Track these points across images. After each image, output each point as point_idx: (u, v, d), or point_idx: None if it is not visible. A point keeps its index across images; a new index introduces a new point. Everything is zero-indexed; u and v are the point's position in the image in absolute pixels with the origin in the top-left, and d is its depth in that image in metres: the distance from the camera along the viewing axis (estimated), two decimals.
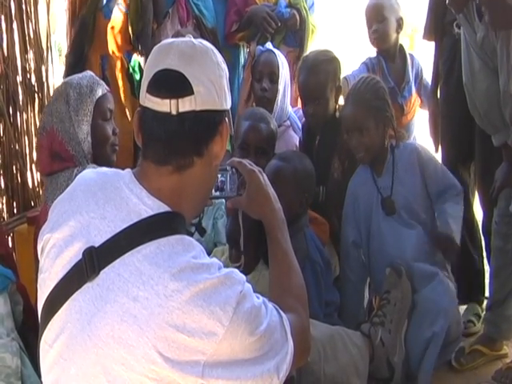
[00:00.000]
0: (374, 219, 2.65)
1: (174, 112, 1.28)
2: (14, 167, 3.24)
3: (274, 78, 3.07)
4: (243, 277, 1.30)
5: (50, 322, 1.30)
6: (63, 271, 1.29)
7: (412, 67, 3.29)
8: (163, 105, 1.29)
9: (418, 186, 2.62)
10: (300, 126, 3.16)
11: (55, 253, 1.32)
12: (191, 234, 2.73)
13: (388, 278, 2.49)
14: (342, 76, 2.92)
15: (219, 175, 1.55)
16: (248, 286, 1.30)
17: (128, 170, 1.37)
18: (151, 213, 1.28)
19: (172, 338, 1.19)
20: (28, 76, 3.30)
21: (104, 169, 1.43)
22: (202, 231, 2.76)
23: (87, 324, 1.25)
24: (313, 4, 3.62)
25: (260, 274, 2.30)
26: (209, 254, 1.35)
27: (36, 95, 3.32)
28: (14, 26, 3.24)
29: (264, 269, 2.35)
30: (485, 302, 2.94)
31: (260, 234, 2.48)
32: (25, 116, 3.27)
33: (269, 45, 3.23)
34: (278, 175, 2.44)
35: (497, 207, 2.66)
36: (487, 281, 2.94)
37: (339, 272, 2.75)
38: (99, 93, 2.31)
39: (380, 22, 3.18)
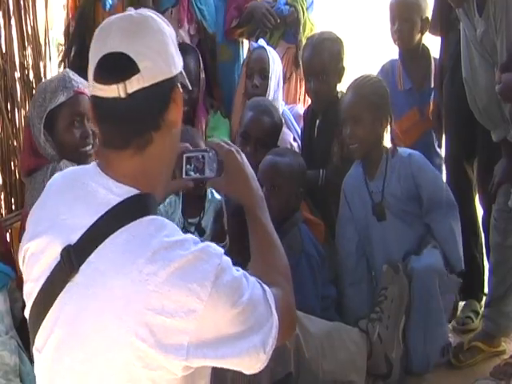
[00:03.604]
0: (369, 222, 2.68)
1: (123, 95, 1.25)
2: (12, 163, 3.24)
3: (264, 74, 3.10)
4: (221, 250, 1.28)
5: (40, 329, 1.30)
6: (44, 277, 1.29)
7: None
8: (111, 90, 1.26)
9: (411, 192, 2.62)
10: (294, 123, 3.18)
11: (34, 261, 1.32)
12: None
13: (385, 275, 2.49)
14: (345, 58, 2.93)
15: (199, 156, 1.52)
16: (226, 258, 1.28)
17: (93, 163, 1.36)
18: (120, 200, 1.27)
19: (152, 321, 1.19)
20: (26, 72, 3.29)
21: (71, 168, 1.43)
22: (201, 231, 2.76)
23: (72, 324, 1.25)
24: (312, 2, 3.62)
25: None
26: None
27: (34, 91, 3.31)
28: (12, 21, 3.23)
29: None
30: (484, 299, 2.93)
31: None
32: (23, 112, 3.25)
33: (261, 41, 3.24)
34: (275, 169, 2.50)
35: (495, 203, 2.66)
36: (486, 278, 2.93)
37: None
38: (61, 99, 2.28)
39: (405, 21, 3.08)
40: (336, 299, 2.61)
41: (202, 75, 3.21)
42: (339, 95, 2.90)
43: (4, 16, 3.20)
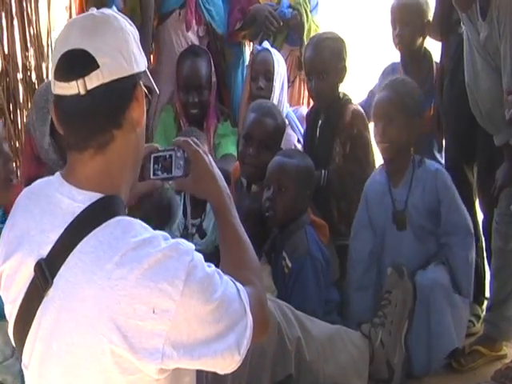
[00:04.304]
0: (387, 230, 2.66)
1: (82, 92, 1.23)
2: (15, 164, 3.23)
3: (269, 76, 3.12)
4: (191, 246, 1.26)
5: (24, 346, 1.30)
6: (21, 297, 1.28)
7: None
8: (71, 88, 1.24)
9: (432, 206, 2.62)
10: (298, 125, 3.18)
11: (9, 282, 1.32)
12: (191, 236, 2.73)
13: (389, 278, 2.48)
14: (347, 58, 2.93)
15: (166, 156, 1.50)
16: (198, 255, 1.26)
17: (57, 173, 1.34)
18: (84, 207, 1.25)
19: (125, 327, 1.18)
20: (28, 73, 3.32)
21: (37, 182, 1.40)
22: (202, 233, 2.75)
23: (50, 339, 1.25)
24: (317, 4, 3.62)
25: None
26: (209, 256, 1.33)
27: None
28: (15, 23, 3.25)
29: (263, 263, 2.42)
30: (485, 303, 2.92)
31: (260, 232, 2.52)
32: (25, 113, 3.27)
33: (266, 44, 3.24)
34: (283, 170, 2.52)
35: (497, 207, 2.66)
36: (487, 281, 2.93)
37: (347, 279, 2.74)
38: None
39: (406, 25, 3.05)
40: (339, 303, 2.60)
41: (214, 79, 3.22)
42: (341, 95, 2.90)
43: (7, 17, 3.22)
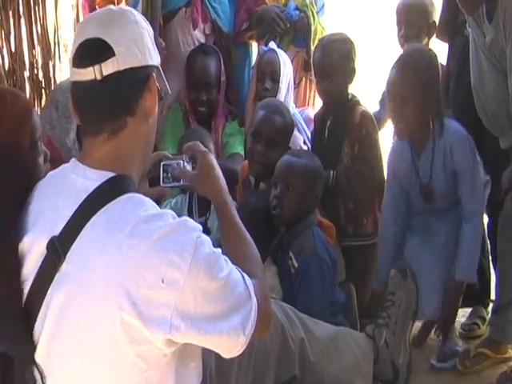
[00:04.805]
0: (415, 200, 2.66)
1: (98, 77, 1.31)
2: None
3: (275, 77, 3.13)
4: (198, 225, 1.31)
5: (34, 328, 1.31)
6: (33, 275, 1.30)
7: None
8: (87, 74, 1.32)
9: (455, 174, 2.59)
10: (304, 126, 3.18)
11: (22, 262, 1.33)
12: None
13: (392, 280, 2.48)
14: (356, 59, 2.91)
15: (175, 164, 1.58)
16: (205, 235, 1.31)
17: (72, 159, 1.40)
18: (97, 184, 1.30)
19: (135, 295, 1.21)
20: (35, 71, 3.33)
21: (51, 172, 1.45)
22: (207, 231, 2.76)
23: (61, 313, 1.27)
24: (323, 6, 3.62)
25: (265, 269, 2.31)
26: None
27: (43, 90, 3.34)
28: (22, 21, 3.26)
29: (269, 263, 2.44)
30: (490, 305, 2.92)
31: (267, 234, 2.52)
32: None
33: (272, 44, 3.24)
34: (290, 169, 2.52)
35: (503, 209, 2.66)
36: (493, 284, 2.93)
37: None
38: None
39: (411, 26, 3.06)
40: (345, 305, 2.60)
41: (223, 78, 3.22)
42: (350, 97, 2.89)
43: (14, 15, 3.23)
